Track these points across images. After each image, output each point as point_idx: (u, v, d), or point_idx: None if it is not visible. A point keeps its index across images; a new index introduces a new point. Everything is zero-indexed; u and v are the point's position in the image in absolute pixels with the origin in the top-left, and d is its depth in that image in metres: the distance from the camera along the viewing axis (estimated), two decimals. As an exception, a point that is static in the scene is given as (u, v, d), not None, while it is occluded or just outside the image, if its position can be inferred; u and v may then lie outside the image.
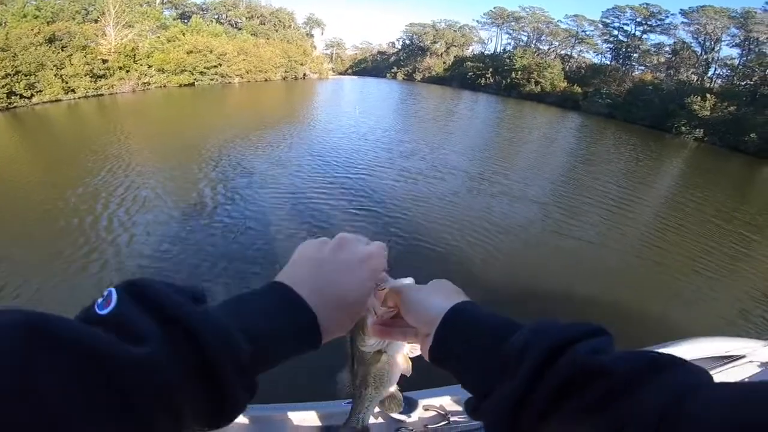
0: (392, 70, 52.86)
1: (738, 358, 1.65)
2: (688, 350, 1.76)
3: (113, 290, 0.29)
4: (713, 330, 4.72)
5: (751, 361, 1.66)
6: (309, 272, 0.41)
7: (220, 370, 0.29)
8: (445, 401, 1.54)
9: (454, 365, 0.42)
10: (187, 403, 0.28)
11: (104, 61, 20.76)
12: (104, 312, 0.28)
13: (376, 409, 1.54)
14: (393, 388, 0.61)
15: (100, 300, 0.29)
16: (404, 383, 0.60)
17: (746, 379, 1.59)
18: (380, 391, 0.60)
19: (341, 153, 11.18)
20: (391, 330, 0.50)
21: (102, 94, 19.81)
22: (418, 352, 0.53)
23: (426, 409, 1.48)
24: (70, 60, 18.35)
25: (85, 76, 19.05)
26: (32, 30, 17.63)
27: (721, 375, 1.61)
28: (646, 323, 4.70)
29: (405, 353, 0.57)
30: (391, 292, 0.50)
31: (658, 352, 0.31)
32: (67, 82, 18.05)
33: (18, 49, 16.27)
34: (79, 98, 18.36)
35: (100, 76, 20.21)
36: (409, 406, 1.43)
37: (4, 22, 17.91)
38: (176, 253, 5.45)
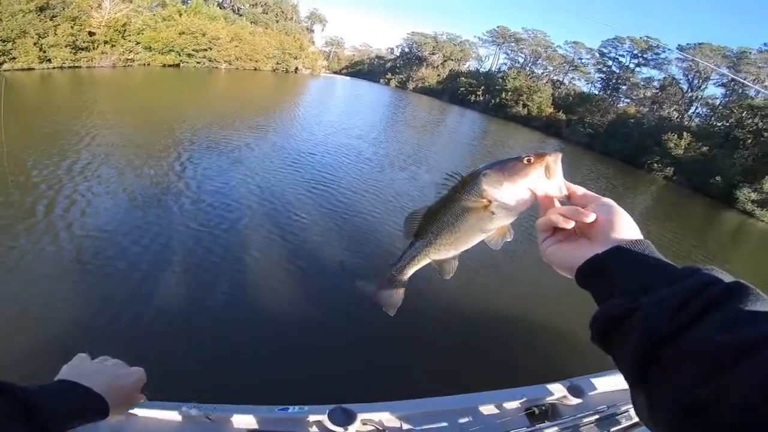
0: (386, 76, 53.14)
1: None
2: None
3: None
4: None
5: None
6: (102, 379, 0.69)
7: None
8: (384, 416, 1.60)
9: (610, 273, 0.44)
10: None
11: (91, 34, 20.59)
12: None
13: (315, 419, 1.50)
14: (459, 252, 0.55)
15: None
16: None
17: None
18: (454, 246, 0.54)
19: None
20: (553, 206, 0.51)
21: (79, 67, 19.65)
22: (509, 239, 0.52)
23: (364, 423, 1.52)
24: (55, 30, 18.13)
25: (66, 47, 18.86)
26: (26, -4, 17.24)
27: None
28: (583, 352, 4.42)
29: (506, 226, 0.52)
30: (597, 198, 0.50)
31: None
32: (44, 51, 17.85)
33: (5, 16, 16.02)
34: (53, 68, 18.18)
35: (83, 49, 20.04)
36: (348, 418, 1.46)
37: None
38: (129, 231, 5.32)
